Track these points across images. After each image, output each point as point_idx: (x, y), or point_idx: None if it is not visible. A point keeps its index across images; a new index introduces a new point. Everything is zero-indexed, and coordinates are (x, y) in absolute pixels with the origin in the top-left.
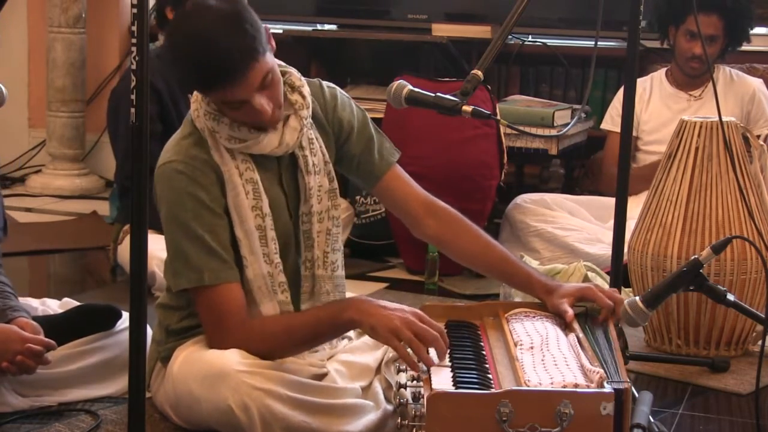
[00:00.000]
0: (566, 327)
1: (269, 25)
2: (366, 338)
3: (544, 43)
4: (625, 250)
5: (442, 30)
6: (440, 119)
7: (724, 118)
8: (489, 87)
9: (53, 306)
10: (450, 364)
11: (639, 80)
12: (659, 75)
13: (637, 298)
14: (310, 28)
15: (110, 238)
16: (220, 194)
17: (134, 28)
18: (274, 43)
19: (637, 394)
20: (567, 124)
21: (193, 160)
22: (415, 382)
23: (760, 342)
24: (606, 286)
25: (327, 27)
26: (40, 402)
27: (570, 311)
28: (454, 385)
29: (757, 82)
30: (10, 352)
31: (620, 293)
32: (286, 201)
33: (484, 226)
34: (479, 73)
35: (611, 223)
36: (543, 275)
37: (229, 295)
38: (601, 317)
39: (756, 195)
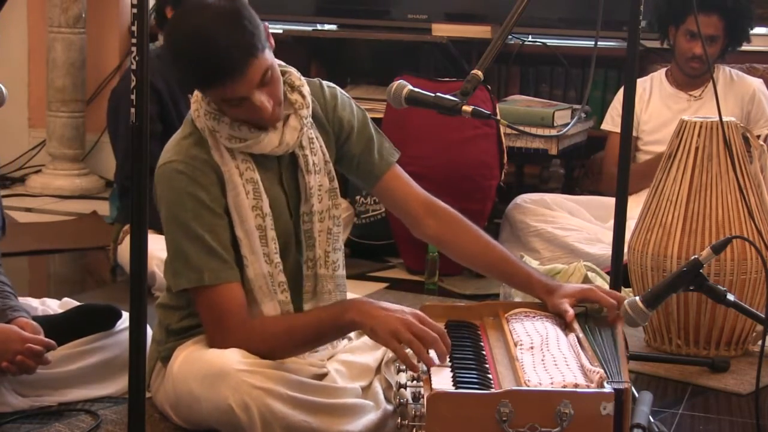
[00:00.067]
0: (566, 327)
1: (269, 25)
2: (366, 338)
3: (544, 43)
4: (625, 250)
5: (442, 30)
6: (440, 119)
7: (724, 118)
8: (489, 87)
9: (53, 306)
10: (450, 364)
11: (639, 80)
12: (659, 75)
13: (637, 298)
14: (310, 28)
15: (110, 238)
16: (220, 194)
17: (134, 28)
18: (273, 41)
19: (637, 394)
20: (567, 124)
21: (193, 160)
22: (415, 382)
23: (760, 342)
24: (606, 286)
25: (327, 27)
26: (40, 402)
27: (570, 311)
28: (454, 385)
29: (757, 82)
30: (10, 352)
31: (620, 293)
32: (286, 200)
33: (484, 226)
34: (479, 73)
35: (611, 223)
36: (543, 275)
37: (229, 294)
38: (611, 318)
39: (756, 195)
